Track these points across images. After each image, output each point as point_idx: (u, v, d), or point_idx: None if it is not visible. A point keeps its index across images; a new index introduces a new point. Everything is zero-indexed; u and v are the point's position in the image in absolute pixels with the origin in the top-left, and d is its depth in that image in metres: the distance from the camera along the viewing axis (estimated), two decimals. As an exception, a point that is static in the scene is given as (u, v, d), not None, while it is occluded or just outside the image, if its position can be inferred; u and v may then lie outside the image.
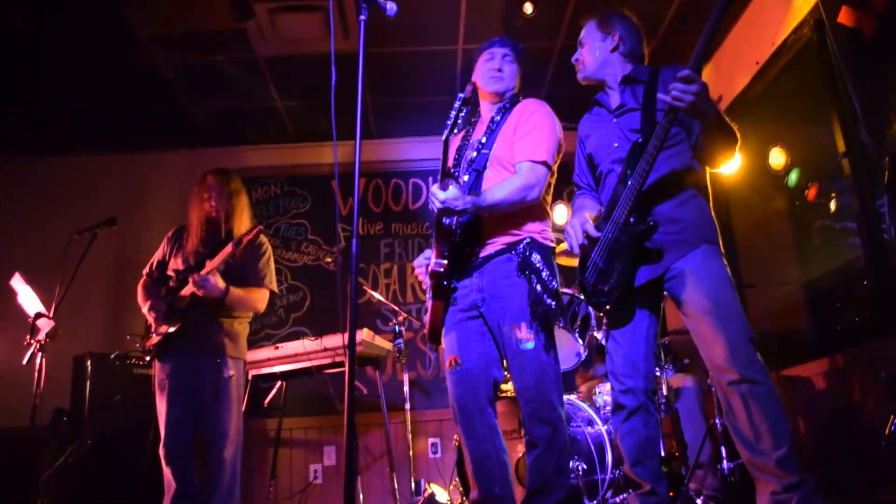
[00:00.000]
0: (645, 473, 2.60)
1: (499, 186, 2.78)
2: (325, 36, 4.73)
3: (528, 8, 4.49)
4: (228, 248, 3.52)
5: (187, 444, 3.54)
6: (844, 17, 3.30)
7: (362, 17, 2.42)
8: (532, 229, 2.86)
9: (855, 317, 3.90)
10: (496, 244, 2.85)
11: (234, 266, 3.64)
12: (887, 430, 2.89)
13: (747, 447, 2.38)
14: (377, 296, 5.15)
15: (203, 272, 3.52)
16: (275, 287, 3.91)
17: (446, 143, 2.74)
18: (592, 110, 2.93)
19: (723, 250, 2.60)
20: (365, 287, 5.54)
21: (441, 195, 2.67)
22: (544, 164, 2.84)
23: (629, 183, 2.51)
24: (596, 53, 2.82)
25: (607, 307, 2.64)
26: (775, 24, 4.31)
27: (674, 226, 2.55)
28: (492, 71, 3.01)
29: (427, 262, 2.96)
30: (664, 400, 3.93)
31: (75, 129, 5.73)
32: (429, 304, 2.97)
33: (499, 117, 2.99)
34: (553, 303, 2.69)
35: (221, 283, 3.57)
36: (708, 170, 2.71)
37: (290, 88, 5.48)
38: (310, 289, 6.07)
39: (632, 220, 2.51)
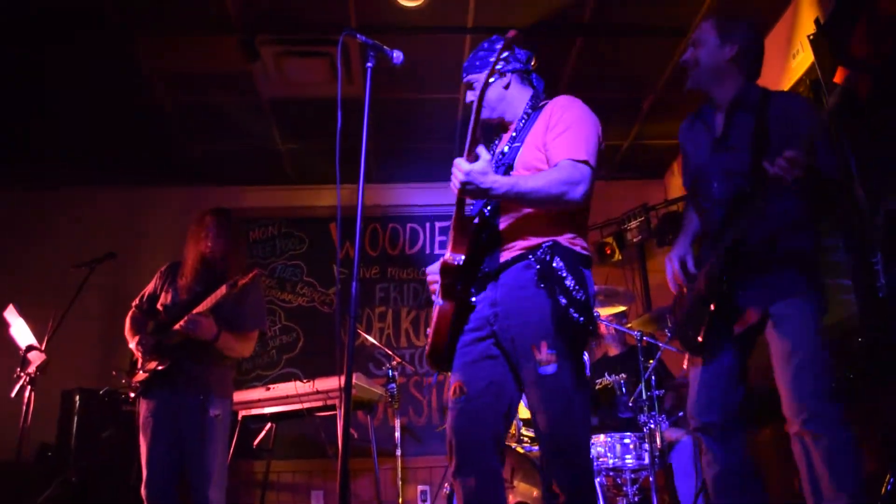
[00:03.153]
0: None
1: (534, 176, 2.32)
2: (328, 81, 4.79)
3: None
4: (223, 290, 3.48)
5: (170, 484, 3.45)
6: (840, 77, 3.37)
7: (369, 64, 2.38)
8: (557, 233, 2.37)
9: (849, 374, 3.89)
10: (514, 249, 2.40)
11: (224, 307, 3.57)
12: (883, 490, 2.87)
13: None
14: (371, 339, 5.12)
15: (196, 311, 3.49)
16: (265, 328, 3.86)
17: (481, 98, 2.36)
18: (695, 123, 2.66)
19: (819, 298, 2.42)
20: (359, 330, 5.50)
21: (465, 166, 2.18)
22: (586, 163, 2.31)
23: (725, 238, 2.37)
24: (711, 59, 2.51)
25: (694, 349, 2.51)
26: (772, 83, 4.37)
27: (769, 279, 2.40)
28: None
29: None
30: (658, 453, 3.89)
31: (75, 163, 5.77)
32: (435, 309, 2.46)
33: (522, 123, 2.54)
34: (582, 318, 2.26)
35: (213, 328, 3.52)
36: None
37: (292, 131, 5.54)
38: (303, 330, 6.06)
39: (724, 278, 2.37)
